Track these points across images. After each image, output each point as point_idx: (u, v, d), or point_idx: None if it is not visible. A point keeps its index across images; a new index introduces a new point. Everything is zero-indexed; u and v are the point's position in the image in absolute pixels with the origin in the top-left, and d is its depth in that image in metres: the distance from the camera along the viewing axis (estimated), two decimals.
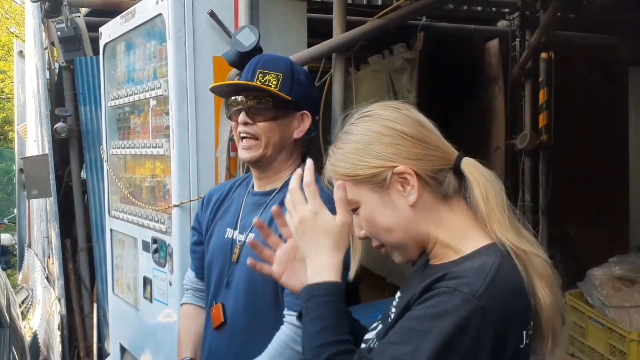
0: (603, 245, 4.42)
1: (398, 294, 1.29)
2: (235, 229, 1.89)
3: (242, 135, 1.83)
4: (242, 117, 1.81)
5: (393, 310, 1.20)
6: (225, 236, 1.90)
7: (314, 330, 1.13)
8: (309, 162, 1.24)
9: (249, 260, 1.42)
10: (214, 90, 1.97)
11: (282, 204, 1.77)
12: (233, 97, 1.86)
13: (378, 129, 1.16)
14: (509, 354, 1.06)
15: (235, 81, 1.91)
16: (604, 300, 3.57)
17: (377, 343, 1.17)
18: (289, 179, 1.80)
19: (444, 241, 1.16)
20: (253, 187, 1.93)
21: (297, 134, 1.86)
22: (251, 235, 1.82)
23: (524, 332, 1.08)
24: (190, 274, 2.12)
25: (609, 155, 5.09)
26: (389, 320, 1.18)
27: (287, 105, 1.82)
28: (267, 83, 1.80)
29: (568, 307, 3.84)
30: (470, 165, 1.16)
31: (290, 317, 1.68)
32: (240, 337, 1.81)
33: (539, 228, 4.44)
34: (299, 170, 1.24)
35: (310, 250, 1.19)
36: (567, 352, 3.84)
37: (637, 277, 3.61)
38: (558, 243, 4.70)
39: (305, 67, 2.60)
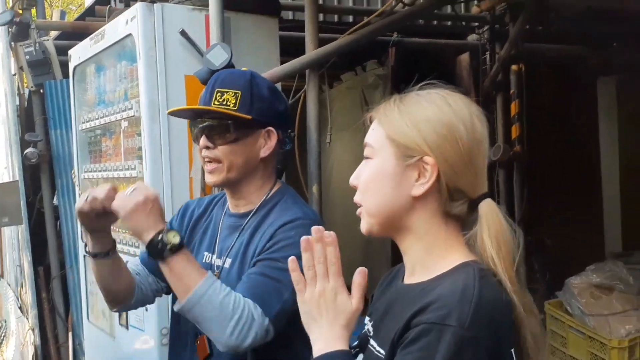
0: (579, 254, 4.44)
1: (367, 319, 1.25)
2: (213, 253, 1.81)
3: (205, 159, 1.75)
4: (202, 141, 1.73)
5: (373, 343, 1.16)
6: (204, 261, 1.82)
7: None
8: (333, 235, 1.17)
9: None
10: (172, 114, 1.87)
11: (257, 227, 1.72)
12: (193, 124, 1.77)
13: (444, 118, 1.10)
14: None
15: (190, 106, 1.84)
16: (583, 308, 3.58)
17: None
18: (264, 200, 1.77)
19: (423, 251, 1.14)
20: (229, 207, 1.85)
21: (264, 152, 1.75)
22: (229, 261, 1.75)
23: (512, 351, 1.05)
24: (137, 260, 1.94)
25: (582, 165, 5.15)
26: (375, 353, 1.13)
27: (249, 125, 1.72)
28: (225, 102, 1.70)
29: (547, 317, 3.85)
30: (490, 208, 1.11)
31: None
32: None
33: (520, 241, 4.44)
34: (326, 236, 1.17)
35: (320, 326, 1.16)
36: None
37: (614, 285, 3.63)
38: (535, 253, 4.73)
39: (278, 85, 2.60)
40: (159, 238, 1.51)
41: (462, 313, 0.98)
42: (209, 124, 1.72)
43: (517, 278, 1.09)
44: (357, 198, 1.19)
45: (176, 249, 1.53)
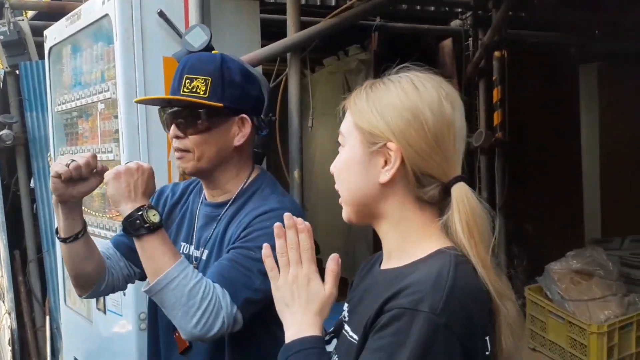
0: (559, 240, 4.48)
1: (346, 305, 1.24)
2: (190, 243, 1.76)
3: (174, 148, 1.69)
4: (172, 131, 1.65)
5: (347, 328, 1.15)
6: (181, 251, 1.75)
7: None
8: (305, 223, 1.19)
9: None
10: (140, 102, 1.80)
11: (233, 216, 1.67)
12: (163, 113, 1.70)
13: (408, 102, 1.09)
14: None
15: (157, 97, 1.76)
16: (563, 294, 3.61)
17: None
18: (241, 189, 1.71)
19: (399, 237, 1.13)
20: (205, 196, 1.79)
21: (238, 140, 1.67)
22: (205, 252, 1.70)
23: (487, 339, 1.04)
24: (108, 244, 1.87)
25: (563, 151, 5.18)
26: (348, 338, 1.12)
27: (221, 113, 1.64)
28: (194, 90, 1.62)
29: (528, 302, 3.88)
30: (461, 190, 1.08)
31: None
32: (207, 358, 1.70)
33: (497, 225, 4.47)
34: (299, 222, 1.18)
35: (293, 312, 1.17)
36: (529, 346, 3.88)
37: (594, 271, 3.67)
38: (516, 239, 4.76)
39: (259, 68, 2.55)
40: (139, 213, 1.47)
41: (435, 299, 0.97)
42: (179, 113, 1.64)
43: (493, 263, 1.07)
44: (336, 186, 1.19)
45: (154, 228, 1.48)
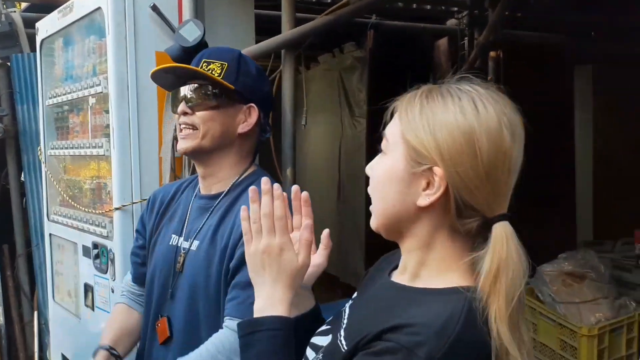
0: (551, 241, 4.46)
1: (350, 301, 1.20)
2: (180, 235, 1.77)
3: (181, 126, 1.72)
4: (181, 107, 1.70)
5: (342, 333, 1.09)
6: (170, 243, 1.78)
7: None
8: (285, 195, 1.14)
9: None
10: (154, 78, 1.82)
11: (228, 209, 1.69)
12: (175, 90, 1.75)
13: (464, 124, 0.98)
14: None
15: (175, 64, 1.80)
16: (554, 296, 3.59)
17: None
18: (236, 182, 1.74)
19: (420, 261, 1.06)
20: (200, 189, 1.81)
21: (242, 128, 1.72)
22: (196, 243, 1.71)
23: None
24: (128, 278, 2.00)
25: (556, 154, 5.17)
26: (338, 342, 1.07)
27: (231, 96, 1.70)
28: (210, 71, 1.70)
29: None
30: (502, 231, 0.99)
31: (231, 322, 1.56)
32: (189, 351, 1.70)
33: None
34: (276, 188, 1.13)
35: (263, 282, 1.12)
36: None
37: (586, 273, 3.65)
38: None
39: None
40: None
41: (435, 348, 0.91)
42: (192, 89, 1.70)
43: (513, 315, 0.96)
44: (369, 190, 1.12)
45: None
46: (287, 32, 2.57)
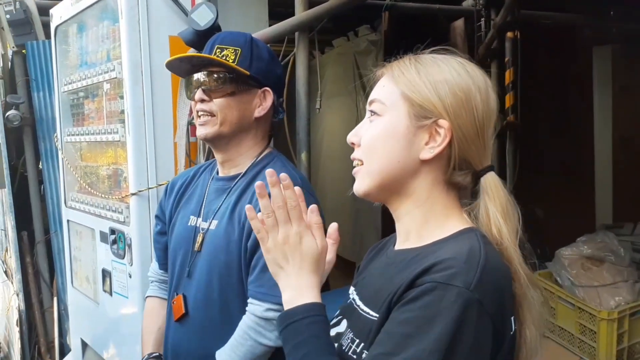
0: (570, 225, 4.42)
1: (352, 289, 1.21)
2: (198, 216, 1.81)
3: (199, 113, 1.75)
4: (198, 94, 1.74)
5: (363, 307, 1.11)
6: (189, 224, 1.82)
7: (300, 354, 1.04)
8: (298, 188, 1.13)
9: None
10: (170, 66, 1.85)
11: (245, 189, 1.72)
12: (190, 76, 1.77)
13: (462, 82, 1.07)
14: (507, 342, 1.00)
15: (188, 54, 1.81)
16: (573, 280, 3.56)
17: (357, 346, 1.07)
18: (253, 163, 1.77)
19: (422, 217, 1.09)
20: (217, 172, 1.85)
21: (259, 112, 1.76)
22: (215, 222, 1.74)
23: (512, 318, 1.02)
24: (154, 265, 2.03)
25: (575, 135, 5.11)
26: (365, 315, 1.09)
27: (246, 81, 1.73)
28: (224, 58, 1.72)
29: None
30: (495, 180, 1.08)
31: (253, 306, 1.62)
32: (203, 328, 1.74)
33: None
34: (283, 178, 1.11)
35: (288, 274, 1.11)
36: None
37: (605, 256, 3.62)
38: (526, 224, 4.70)
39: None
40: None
41: (469, 275, 0.95)
42: (208, 77, 1.73)
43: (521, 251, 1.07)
44: (356, 155, 1.13)
45: None
46: (301, 14, 2.55)
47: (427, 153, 1.06)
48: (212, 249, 1.72)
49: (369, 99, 1.13)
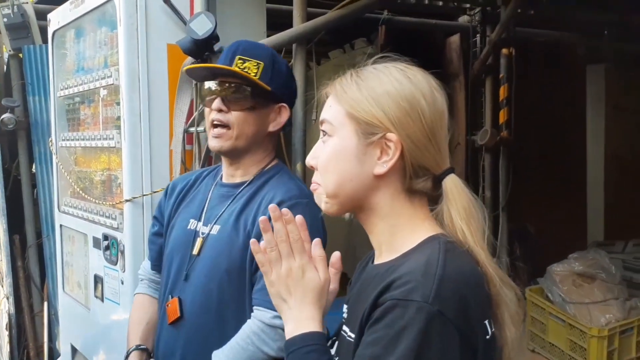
0: (561, 241, 4.44)
1: (345, 306, 1.22)
2: (199, 220, 1.81)
3: (214, 122, 1.73)
4: (216, 103, 1.72)
5: (346, 329, 1.12)
6: (188, 227, 1.82)
7: None
8: (300, 217, 1.14)
9: None
10: (190, 72, 1.85)
11: (251, 197, 1.73)
12: (209, 84, 1.76)
13: (405, 90, 1.07)
14: (482, 347, 1.00)
15: (214, 64, 1.81)
16: (564, 296, 3.58)
17: None
18: (260, 173, 1.78)
19: (388, 230, 1.10)
20: (221, 178, 1.85)
21: (273, 127, 1.77)
22: (217, 227, 1.74)
23: (486, 322, 1.02)
24: (146, 264, 2.02)
25: (568, 152, 5.14)
26: (347, 338, 1.10)
27: (266, 96, 1.73)
28: (246, 70, 1.71)
29: (528, 303, 3.85)
30: (454, 184, 1.08)
31: (260, 313, 1.60)
32: (198, 333, 1.73)
33: (500, 225, 4.45)
34: (285, 213, 1.14)
35: (290, 307, 1.13)
36: (528, 347, 3.85)
37: (597, 274, 3.63)
38: (518, 239, 4.72)
39: None
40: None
41: (426, 288, 0.95)
42: (228, 87, 1.71)
43: (488, 250, 1.07)
44: (315, 178, 1.14)
45: None
46: (299, 26, 2.56)
47: (380, 168, 1.07)
48: (213, 253, 1.72)
49: (320, 118, 1.14)
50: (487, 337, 1.01)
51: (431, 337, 0.93)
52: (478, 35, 4.58)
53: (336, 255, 1.18)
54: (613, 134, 5.22)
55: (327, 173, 1.11)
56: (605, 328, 3.36)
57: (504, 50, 4.50)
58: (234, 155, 1.77)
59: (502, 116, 4.53)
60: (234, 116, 1.71)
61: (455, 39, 4.49)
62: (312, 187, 1.15)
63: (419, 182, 1.08)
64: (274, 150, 1.84)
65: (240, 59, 1.72)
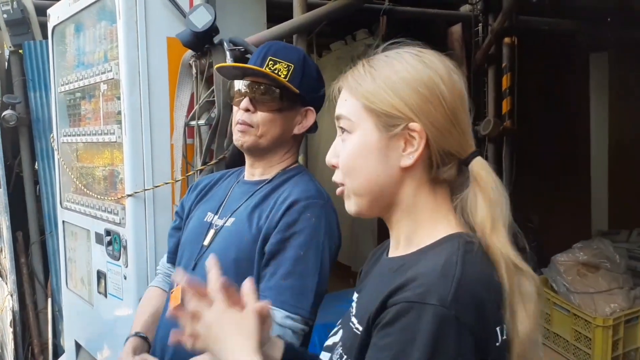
0: (566, 231, 4.43)
1: (355, 295, 1.19)
2: (216, 213, 1.82)
3: (239, 119, 1.74)
4: (244, 103, 1.72)
5: (354, 319, 1.09)
6: (204, 219, 1.83)
7: None
8: (212, 258, 1.13)
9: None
10: (220, 69, 1.86)
11: (268, 194, 1.73)
12: (238, 84, 1.76)
13: (422, 76, 1.02)
14: (492, 354, 0.96)
15: (246, 65, 1.80)
16: (568, 286, 3.57)
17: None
18: (281, 172, 1.79)
19: (411, 224, 1.06)
20: (243, 177, 1.86)
21: (298, 129, 1.78)
22: (231, 220, 1.74)
23: (497, 329, 0.97)
24: (164, 258, 2.03)
25: (571, 141, 5.12)
26: (354, 330, 1.07)
27: (294, 99, 1.73)
28: (276, 72, 1.71)
29: None
30: (482, 167, 1.03)
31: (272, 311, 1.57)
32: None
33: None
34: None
35: (223, 351, 1.05)
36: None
37: (601, 263, 3.62)
38: (522, 229, 4.71)
39: None
40: None
41: (444, 291, 0.91)
42: (257, 87, 1.72)
43: (511, 241, 1.02)
44: (337, 178, 1.10)
45: None
46: (299, 17, 2.55)
47: (407, 160, 1.02)
48: (223, 244, 1.72)
49: (336, 114, 1.10)
50: (497, 344, 0.97)
51: (448, 342, 0.90)
52: (480, 24, 4.55)
53: (248, 281, 1.13)
54: (617, 122, 5.19)
55: (353, 172, 1.07)
56: (610, 318, 3.35)
57: (507, 40, 4.48)
58: (256, 153, 1.78)
59: (505, 106, 4.51)
60: (259, 116, 1.72)
61: (457, 29, 4.46)
62: (338, 190, 1.10)
63: (445, 169, 1.04)
64: (297, 152, 1.84)
65: (271, 59, 1.72)
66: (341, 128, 1.09)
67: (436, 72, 1.03)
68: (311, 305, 1.59)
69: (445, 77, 1.03)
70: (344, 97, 1.08)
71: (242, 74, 1.76)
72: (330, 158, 1.11)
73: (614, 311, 3.42)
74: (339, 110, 1.09)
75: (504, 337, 0.98)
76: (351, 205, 1.10)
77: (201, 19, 2.16)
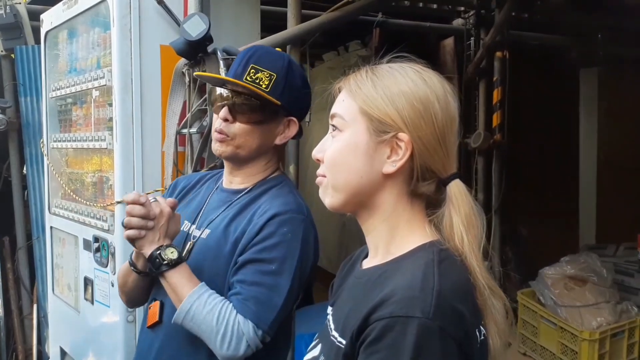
0: (554, 244, 4.46)
1: (330, 308, 1.20)
2: (193, 223, 1.77)
3: (217, 128, 1.69)
4: (223, 112, 1.67)
5: (335, 333, 1.10)
6: (182, 229, 1.76)
7: None
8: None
9: None
10: (199, 77, 1.85)
11: (246, 205, 1.69)
12: (220, 90, 1.71)
13: (420, 92, 1.06)
14: (475, 355, 0.99)
15: (224, 77, 1.76)
16: (556, 299, 3.58)
17: None
18: (260, 182, 1.74)
19: (388, 232, 1.09)
20: (222, 184, 1.81)
21: (280, 140, 1.72)
22: (207, 232, 1.71)
23: (477, 330, 1.01)
24: None
25: (560, 156, 5.16)
26: (336, 343, 1.07)
27: (275, 110, 1.67)
28: (257, 81, 1.64)
29: (520, 306, 3.85)
30: (459, 190, 1.07)
31: (249, 323, 1.55)
32: (173, 340, 1.67)
33: (492, 227, 4.45)
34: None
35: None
36: (519, 351, 3.85)
37: (588, 277, 3.64)
38: (510, 242, 4.73)
39: None
40: (157, 252, 1.57)
41: (424, 303, 0.93)
42: (236, 98, 1.66)
43: (483, 261, 1.06)
44: (321, 171, 1.13)
45: (172, 264, 1.57)
46: (293, 27, 2.56)
47: (390, 167, 1.06)
48: (200, 257, 1.68)
49: (331, 112, 1.13)
50: (478, 344, 1.00)
51: (433, 353, 0.92)
52: (472, 38, 4.60)
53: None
54: (605, 137, 5.24)
55: (335, 167, 1.10)
56: (597, 331, 3.37)
57: (498, 54, 4.52)
58: (235, 162, 1.74)
59: (496, 119, 4.55)
60: (237, 128, 1.66)
61: (449, 42, 4.50)
62: (317, 179, 1.14)
63: (424, 184, 1.07)
64: (278, 161, 1.79)
65: (253, 68, 1.65)
66: (333, 126, 1.12)
67: (434, 91, 1.06)
68: (272, 320, 1.55)
69: (441, 97, 1.07)
70: (342, 97, 1.12)
71: (222, 82, 1.72)
72: (316, 152, 1.14)
73: (600, 325, 3.44)
74: (335, 108, 1.12)
75: (482, 337, 1.01)
76: (326, 197, 1.13)
77: (195, 28, 2.16)
